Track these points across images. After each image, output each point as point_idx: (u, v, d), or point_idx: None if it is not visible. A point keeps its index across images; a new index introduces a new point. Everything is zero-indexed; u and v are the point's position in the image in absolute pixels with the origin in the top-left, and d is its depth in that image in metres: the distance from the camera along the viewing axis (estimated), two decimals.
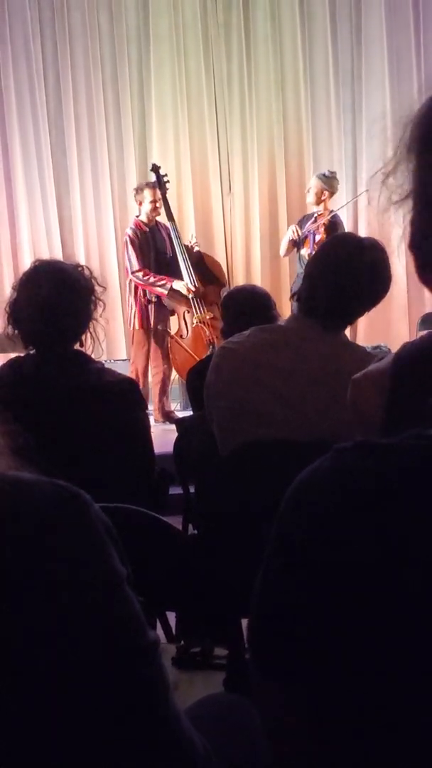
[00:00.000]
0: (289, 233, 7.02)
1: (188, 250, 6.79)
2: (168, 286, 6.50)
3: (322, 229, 6.65)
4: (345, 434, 1.47)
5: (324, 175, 7.04)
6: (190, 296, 6.55)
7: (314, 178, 7.04)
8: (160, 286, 6.52)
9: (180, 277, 6.65)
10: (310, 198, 6.95)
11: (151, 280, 6.51)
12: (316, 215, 6.85)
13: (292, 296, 6.70)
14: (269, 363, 2.39)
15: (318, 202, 6.89)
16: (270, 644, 0.74)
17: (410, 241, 0.81)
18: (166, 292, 6.52)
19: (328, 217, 6.70)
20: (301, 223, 7.05)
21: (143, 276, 6.50)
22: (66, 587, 0.73)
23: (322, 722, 0.72)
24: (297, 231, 6.92)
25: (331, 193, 6.96)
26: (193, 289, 6.54)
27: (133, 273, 6.54)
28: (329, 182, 6.97)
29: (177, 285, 6.52)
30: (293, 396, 2.34)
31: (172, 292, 6.54)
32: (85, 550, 0.76)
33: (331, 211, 6.85)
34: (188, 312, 6.68)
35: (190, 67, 8.15)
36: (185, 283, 6.54)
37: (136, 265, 6.53)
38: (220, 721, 1.29)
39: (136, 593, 0.79)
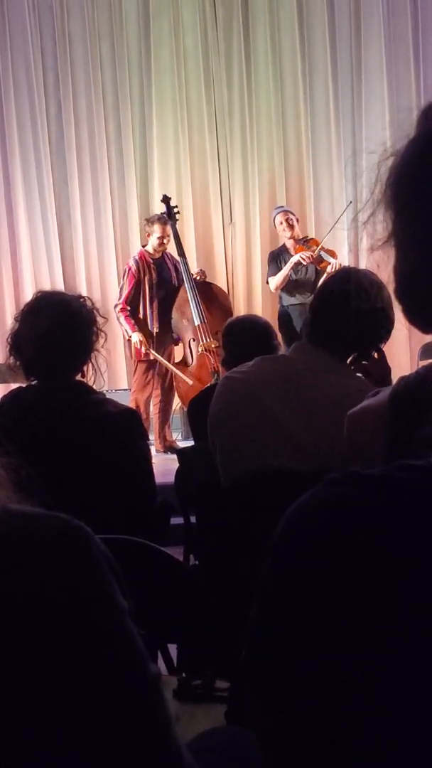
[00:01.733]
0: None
1: (197, 282, 6.76)
2: (129, 334, 6.53)
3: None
4: (347, 466, 1.47)
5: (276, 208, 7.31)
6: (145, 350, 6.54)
7: (274, 214, 7.19)
8: (124, 329, 6.59)
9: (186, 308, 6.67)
10: (286, 231, 7.01)
11: (122, 319, 6.54)
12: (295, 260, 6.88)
13: None
14: (274, 393, 2.39)
15: (292, 232, 6.98)
16: (265, 673, 0.74)
17: (395, 289, 0.81)
18: (126, 337, 6.61)
19: (329, 272, 6.66)
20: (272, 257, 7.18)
21: (119, 311, 6.53)
22: (66, 621, 0.73)
23: (320, 752, 0.72)
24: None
25: (297, 219, 7.12)
26: (142, 342, 6.48)
27: (114, 306, 6.58)
28: (286, 211, 7.17)
29: (134, 337, 6.49)
30: (297, 426, 2.34)
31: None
32: (86, 583, 0.76)
33: (327, 260, 6.87)
34: (194, 340, 6.69)
35: (191, 96, 8.21)
36: (139, 338, 6.47)
37: (120, 298, 6.59)
38: (222, 754, 1.28)
39: (137, 626, 0.79)
